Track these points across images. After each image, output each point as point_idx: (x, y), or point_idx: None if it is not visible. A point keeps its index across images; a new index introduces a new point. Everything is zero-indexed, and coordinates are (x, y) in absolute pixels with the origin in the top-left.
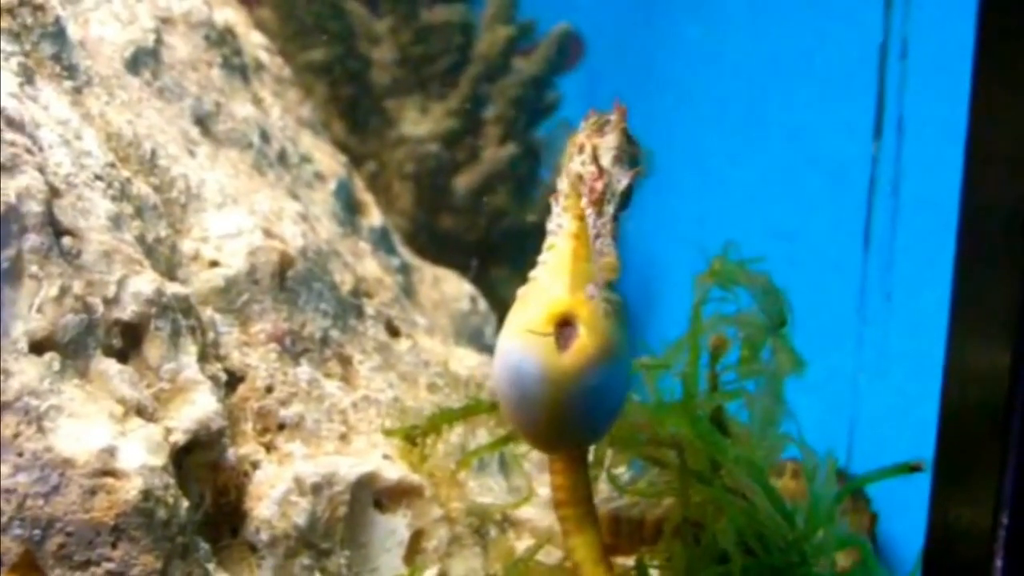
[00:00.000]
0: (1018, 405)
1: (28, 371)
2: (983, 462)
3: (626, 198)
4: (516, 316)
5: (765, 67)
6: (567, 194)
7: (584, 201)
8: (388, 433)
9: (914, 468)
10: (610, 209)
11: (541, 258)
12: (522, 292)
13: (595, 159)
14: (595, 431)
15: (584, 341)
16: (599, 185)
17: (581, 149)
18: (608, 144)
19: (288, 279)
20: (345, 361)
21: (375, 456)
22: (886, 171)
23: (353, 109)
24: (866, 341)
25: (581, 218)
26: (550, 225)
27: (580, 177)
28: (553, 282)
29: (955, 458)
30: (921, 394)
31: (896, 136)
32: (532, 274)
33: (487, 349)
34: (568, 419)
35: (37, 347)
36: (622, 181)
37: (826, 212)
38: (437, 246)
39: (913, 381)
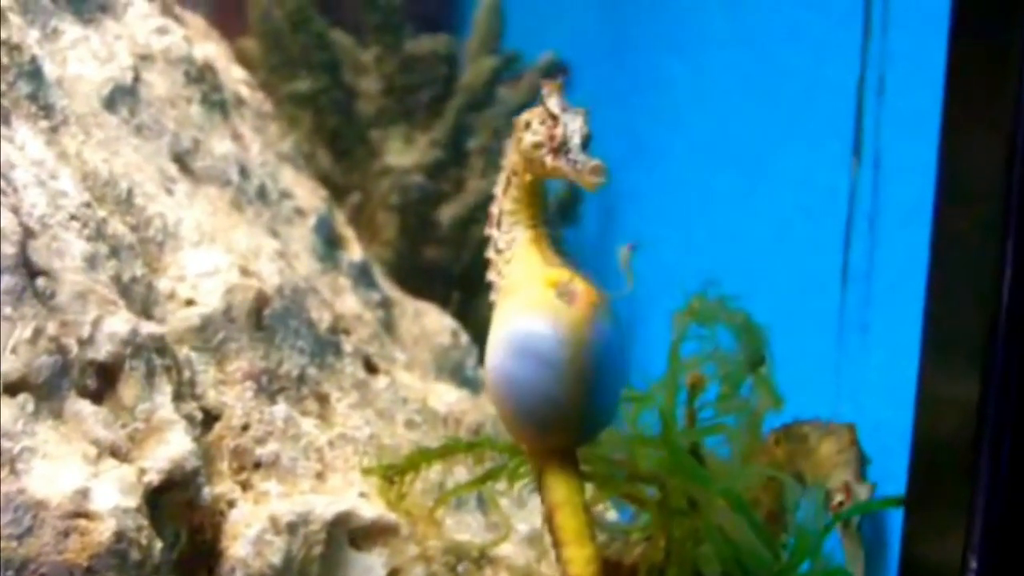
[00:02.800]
0: (985, 446)
1: (2, 413)
2: (953, 501)
3: (586, 138)
4: (504, 308)
5: (744, 100)
6: (512, 210)
7: (548, 158)
8: (366, 471)
9: (900, 502)
10: (576, 142)
11: (502, 271)
12: (498, 300)
13: (547, 111)
14: (613, 398)
15: (587, 289)
16: (557, 132)
17: (527, 125)
18: (552, 103)
19: (265, 317)
20: (322, 399)
21: (351, 494)
22: (863, 206)
23: (338, 139)
24: (844, 373)
25: (534, 227)
26: (495, 248)
27: (538, 145)
28: (531, 269)
29: (926, 495)
30: (898, 426)
31: (873, 172)
32: (501, 284)
33: (468, 382)
34: (589, 381)
35: (11, 388)
36: (576, 120)
37: (804, 246)
38: (421, 277)
39: (891, 413)
